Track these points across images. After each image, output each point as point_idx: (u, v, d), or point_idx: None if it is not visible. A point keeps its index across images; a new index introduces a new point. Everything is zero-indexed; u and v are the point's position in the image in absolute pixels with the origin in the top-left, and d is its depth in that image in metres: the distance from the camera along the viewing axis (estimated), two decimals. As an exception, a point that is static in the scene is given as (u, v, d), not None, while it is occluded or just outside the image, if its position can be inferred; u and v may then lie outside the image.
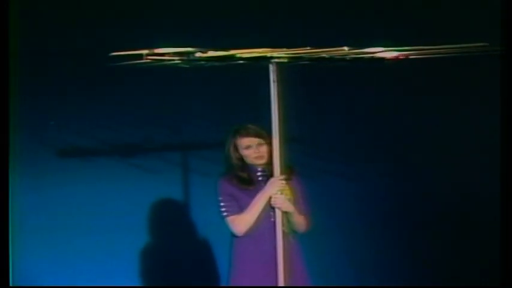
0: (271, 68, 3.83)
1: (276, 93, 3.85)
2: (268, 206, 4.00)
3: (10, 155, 6.02)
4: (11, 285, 6.32)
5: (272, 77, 3.83)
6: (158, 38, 4.25)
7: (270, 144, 4.02)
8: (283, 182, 3.98)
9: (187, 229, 5.78)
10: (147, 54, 3.63)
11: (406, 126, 6.15)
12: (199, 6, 5.82)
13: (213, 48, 3.76)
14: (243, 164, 4.13)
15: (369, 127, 6.08)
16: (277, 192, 3.94)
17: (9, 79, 5.83)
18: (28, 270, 6.55)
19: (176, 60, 3.70)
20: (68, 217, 6.84)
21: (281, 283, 3.92)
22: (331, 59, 3.86)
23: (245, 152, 4.09)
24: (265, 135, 4.05)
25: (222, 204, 4.09)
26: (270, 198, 3.99)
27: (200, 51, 3.68)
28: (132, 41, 6.16)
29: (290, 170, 4.11)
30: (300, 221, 4.11)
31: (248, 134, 4.09)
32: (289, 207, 4.00)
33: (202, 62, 3.78)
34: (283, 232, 3.99)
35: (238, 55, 3.70)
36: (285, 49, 3.78)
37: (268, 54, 3.72)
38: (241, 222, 4.03)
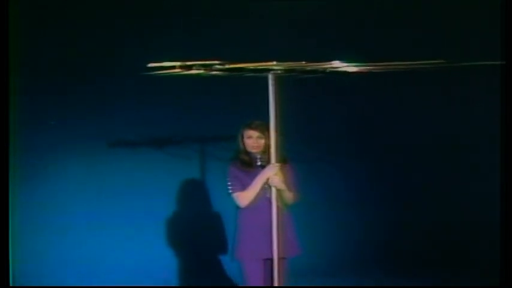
0: (270, 77, 4.69)
1: (273, 94, 4.69)
2: (265, 185, 4.86)
3: (10, 155, 6.01)
4: (11, 285, 6.32)
5: (270, 82, 4.68)
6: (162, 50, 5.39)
7: (267, 138, 4.83)
8: (278, 167, 4.80)
9: (204, 202, 6.80)
10: (180, 66, 4.48)
11: (389, 120, 7.14)
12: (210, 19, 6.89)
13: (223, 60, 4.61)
14: (246, 150, 4.99)
15: (354, 123, 7.13)
16: (274, 175, 4.79)
17: (10, 79, 5.83)
18: (28, 270, 6.60)
19: (201, 70, 4.55)
20: (68, 217, 6.88)
21: (275, 246, 4.74)
22: (315, 72, 4.76)
23: (246, 141, 4.96)
24: (266, 130, 4.83)
25: (229, 183, 4.96)
26: (268, 179, 4.82)
27: (219, 64, 4.54)
28: (131, 43, 6.76)
29: (284, 158, 4.94)
30: (290, 196, 4.97)
31: (252, 128, 4.95)
32: (282, 186, 4.85)
33: (219, 72, 4.62)
34: (277, 205, 4.82)
35: (247, 67, 4.61)
36: (280, 63, 4.67)
37: (269, 67, 4.63)
38: (244, 198, 4.90)
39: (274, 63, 4.62)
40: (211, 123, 6.81)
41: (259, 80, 4.68)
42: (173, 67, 4.46)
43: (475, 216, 7.00)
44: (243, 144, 4.97)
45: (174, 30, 6.84)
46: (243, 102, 6.15)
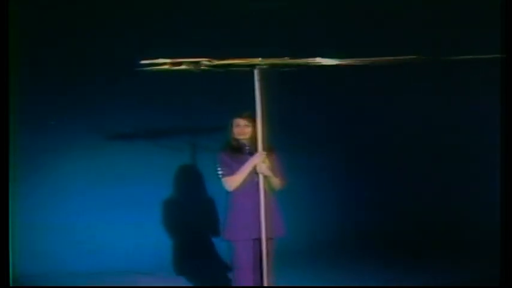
0: (256, 72, 5.01)
1: (259, 89, 5.00)
2: (253, 171, 5.20)
3: (10, 155, 6.02)
4: (11, 285, 6.32)
5: (256, 77, 5.00)
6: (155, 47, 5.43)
7: (253, 127, 5.19)
8: (265, 155, 5.14)
9: (197, 187, 7.35)
10: (171, 63, 4.82)
11: (372, 111, 7.93)
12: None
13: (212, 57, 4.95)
14: (235, 138, 5.33)
15: (331, 114, 7.97)
16: (261, 162, 5.13)
17: (10, 79, 5.85)
18: (28, 270, 6.64)
19: (190, 67, 4.89)
20: (68, 216, 6.95)
21: (263, 226, 5.07)
22: (298, 66, 5.14)
23: (235, 129, 5.31)
24: (253, 120, 5.18)
25: (219, 169, 5.28)
26: (256, 166, 5.16)
27: (207, 60, 4.88)
28: (127, 43, 7.02)
29: (271, 147, 5.28)
30: (276, 182, 5.31)
31: (240, 117, 5.29)
32: (269, 173, 5.21)
33: (207, 68, 4.94)
34: (265, 190, 5.16)
35: (234, 63, 4.95)
36: (265, 59, 5.00)
37: (254, 63, 4.97)
38: (232, 182, 5.23)
39: (260, 59, 4.96)
40: (202, 116, 7.31)
41: (247, 75, 4.99)
42: (164, 64, 4.83)
43: (472, 213, 7.08)
44: (232, 132, 5.31)
45: (168, 29, 7.20)
46: (232, 96, 6.41)
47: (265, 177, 5.17)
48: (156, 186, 7.25)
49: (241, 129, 5.28)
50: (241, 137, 5.29)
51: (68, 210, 7.03)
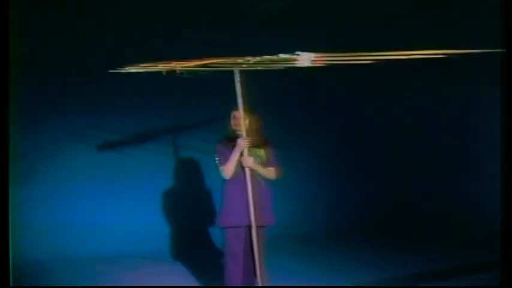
0: (236, 72, 5.33)
1: (240, 88, 5.35)
2: (240, 165, 5.42)
3: (10, 155, 6.03)
4: (11, 285, 6.31)
5: (236, 78, 5.32)
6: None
7: (249, 120, 5.49)
8: (248, 141, 5.42)
9: (196, 178, 7.57)
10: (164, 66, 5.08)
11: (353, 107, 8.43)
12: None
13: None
14: (232, 129, 5.61)
15: (318, 109, 8.32)
16: (246, 152, 5.39)
17: (10, 79, 5.86)
18: (28, 270, 6.64)
19: (181, 69, 5.13)
20: (68, 216, 6.97)
21: (252, 214, 5.31)
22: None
23: (232, 121, 5.59)
24: (248, 113, 5.49)
25: (216, 158, 5.52)
26: (242, 161, 5.41)
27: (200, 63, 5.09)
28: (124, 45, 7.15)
29: (266, 139, 5.58)
30: (268, 173, 5.56)
31: (236, 110, 5.52)
32: (255, 166, 5.47)
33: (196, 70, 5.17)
34: (256, 179, 5.44)
35: (218, 65, 5.17)
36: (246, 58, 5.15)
37: (238, 62, 5.18)
38: (226, 170, 5.46)
39: (251, 59, 5.11)
40: (201, 112, 7.56)
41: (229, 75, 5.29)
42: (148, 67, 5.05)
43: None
44: (230, 124, 5.59)
45: (168, 29, 7.32)
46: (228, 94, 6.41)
47: (252, 170, 5.41)
48: (156, 179, 7.51)
49: (238, 121, 5.53)
50: (237, 129, 5.55)
51: (70, 203, 7.13)
